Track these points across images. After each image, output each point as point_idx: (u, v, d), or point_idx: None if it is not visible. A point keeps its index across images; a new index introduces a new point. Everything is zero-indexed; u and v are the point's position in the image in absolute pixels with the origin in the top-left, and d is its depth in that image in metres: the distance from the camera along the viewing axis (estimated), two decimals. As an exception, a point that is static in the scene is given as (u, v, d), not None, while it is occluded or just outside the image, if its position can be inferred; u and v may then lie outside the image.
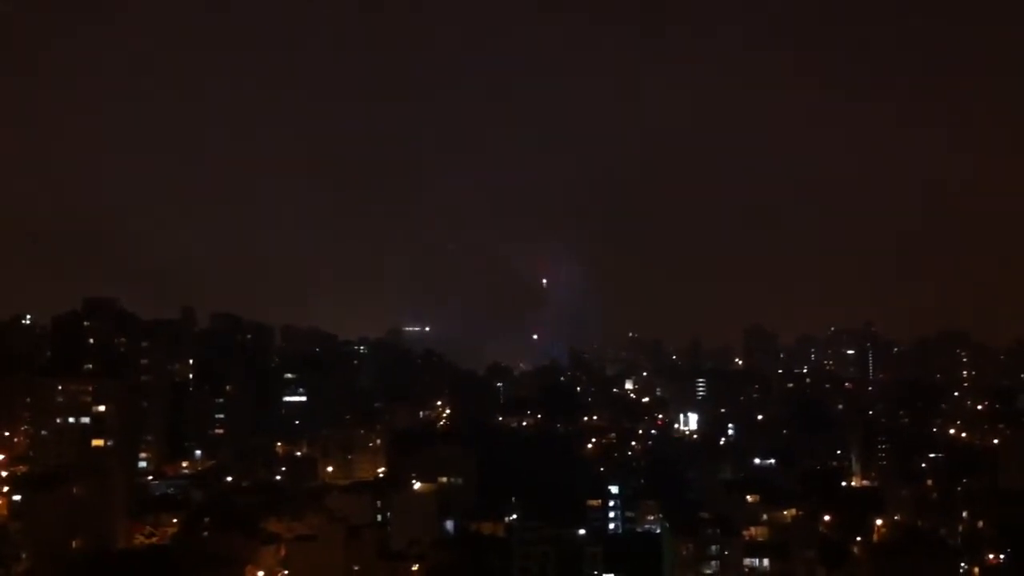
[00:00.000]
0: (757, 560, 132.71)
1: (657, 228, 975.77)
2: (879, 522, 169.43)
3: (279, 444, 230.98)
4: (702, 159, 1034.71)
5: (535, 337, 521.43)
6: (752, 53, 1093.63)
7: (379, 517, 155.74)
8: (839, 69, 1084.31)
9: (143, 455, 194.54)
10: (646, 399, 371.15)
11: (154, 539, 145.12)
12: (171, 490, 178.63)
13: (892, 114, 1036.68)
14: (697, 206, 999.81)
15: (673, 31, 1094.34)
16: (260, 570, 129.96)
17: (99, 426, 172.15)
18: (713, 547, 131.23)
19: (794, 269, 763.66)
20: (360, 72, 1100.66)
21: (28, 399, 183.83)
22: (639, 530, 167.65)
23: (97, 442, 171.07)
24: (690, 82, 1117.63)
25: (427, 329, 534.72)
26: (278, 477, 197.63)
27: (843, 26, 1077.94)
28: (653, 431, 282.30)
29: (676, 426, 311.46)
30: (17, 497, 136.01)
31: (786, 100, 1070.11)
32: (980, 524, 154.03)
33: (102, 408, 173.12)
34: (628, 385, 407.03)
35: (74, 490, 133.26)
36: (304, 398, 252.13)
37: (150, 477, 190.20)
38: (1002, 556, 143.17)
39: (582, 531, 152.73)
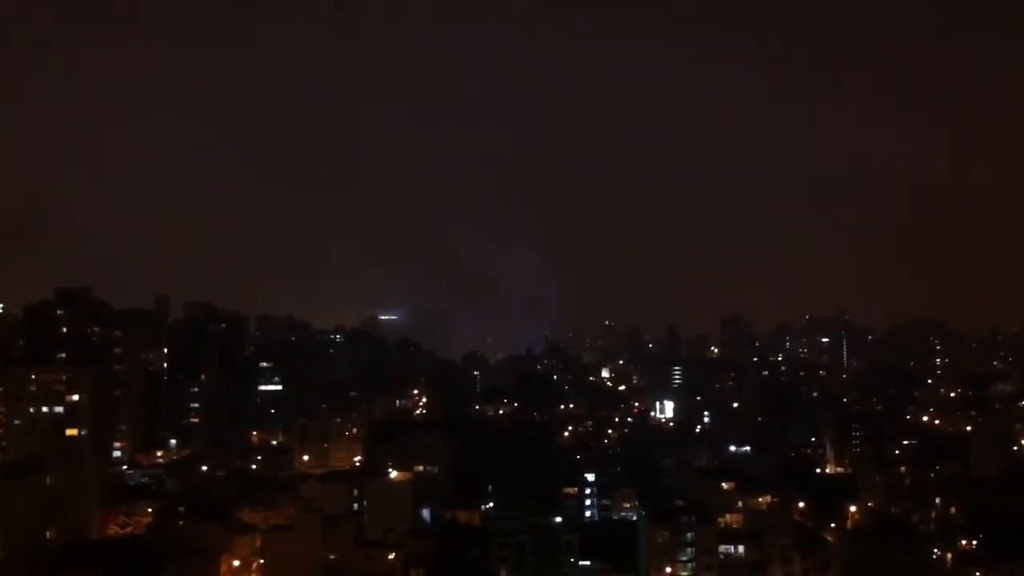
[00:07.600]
0: (732, 547, 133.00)
1: (636, 218, 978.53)
2: (853, 509, 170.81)
3: (254, 433, 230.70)
4: (680, 149, 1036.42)
5: (505, 324, 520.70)
6: (724, 42, 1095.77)
7: (355, 506, 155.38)
8: (815, 61, 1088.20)
9: (117, 444, 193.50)
10: (622, 387, 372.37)
11: (128, 529, 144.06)
12: (145, 479, 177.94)
13: (868, 107, 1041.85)
14: (676, 196, 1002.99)
15: (650, 18, 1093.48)
16: (235, 560, 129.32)
17: (72, 415, 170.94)
18: (688, 534, 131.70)
19: (771, 259, 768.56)
20: (326, 61, 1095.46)
21: (1, 389, 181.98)
22: (615, 518, 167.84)
23: (71, 431, 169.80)
24: (665, 72, 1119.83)
25: (400, 317, 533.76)
26: (253, 466, 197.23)
27: (817, 13, 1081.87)
28: (629, 419, 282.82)
29: (652, 414, 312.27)
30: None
31: (761, 90, 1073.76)
32: (953, 510, 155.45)
33: (75, 397, 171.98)
34: (604, 373, 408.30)
35: (47, 480, 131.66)
36: (279, 387, 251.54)
37: (124, 467, 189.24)
38: (974, 542, 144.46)
39: (558, 519, 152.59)
